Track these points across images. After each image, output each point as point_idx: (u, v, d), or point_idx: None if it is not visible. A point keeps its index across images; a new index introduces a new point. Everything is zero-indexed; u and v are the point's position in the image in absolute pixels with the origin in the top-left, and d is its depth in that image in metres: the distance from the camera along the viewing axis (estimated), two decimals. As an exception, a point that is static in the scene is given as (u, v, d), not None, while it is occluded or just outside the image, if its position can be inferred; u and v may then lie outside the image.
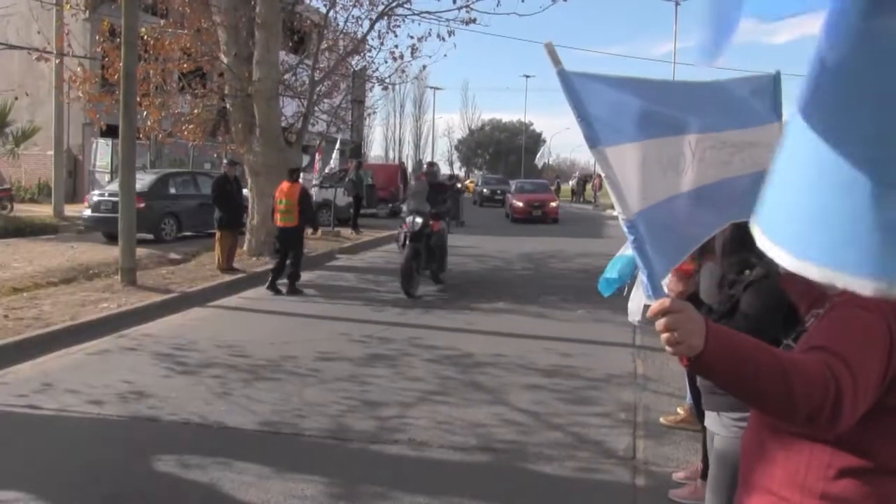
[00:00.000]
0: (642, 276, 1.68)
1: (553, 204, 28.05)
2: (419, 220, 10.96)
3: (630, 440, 5.22)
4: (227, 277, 11.52)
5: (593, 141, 1.72)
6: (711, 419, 3.28)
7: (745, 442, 1.81)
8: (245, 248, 13.71)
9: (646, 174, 1.89)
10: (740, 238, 3.12)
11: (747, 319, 3.05)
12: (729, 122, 2.31)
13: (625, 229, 1.71)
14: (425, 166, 14.38)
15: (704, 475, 4.17)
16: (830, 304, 1.64)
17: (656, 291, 1.63)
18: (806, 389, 1.42)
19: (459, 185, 45.37)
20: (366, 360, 7.28)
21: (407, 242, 10.91)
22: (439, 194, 11.88)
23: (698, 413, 4.45)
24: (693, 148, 2.10)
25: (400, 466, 4.77)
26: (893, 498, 1.55)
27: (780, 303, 3.03)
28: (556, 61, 1.71)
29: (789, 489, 1.62)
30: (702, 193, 2.18)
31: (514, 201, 27.89)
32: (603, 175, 1.74)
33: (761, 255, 3.05)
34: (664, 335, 1.46)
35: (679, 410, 5.55)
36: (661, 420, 5.54)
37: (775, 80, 2.62)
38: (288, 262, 11.03)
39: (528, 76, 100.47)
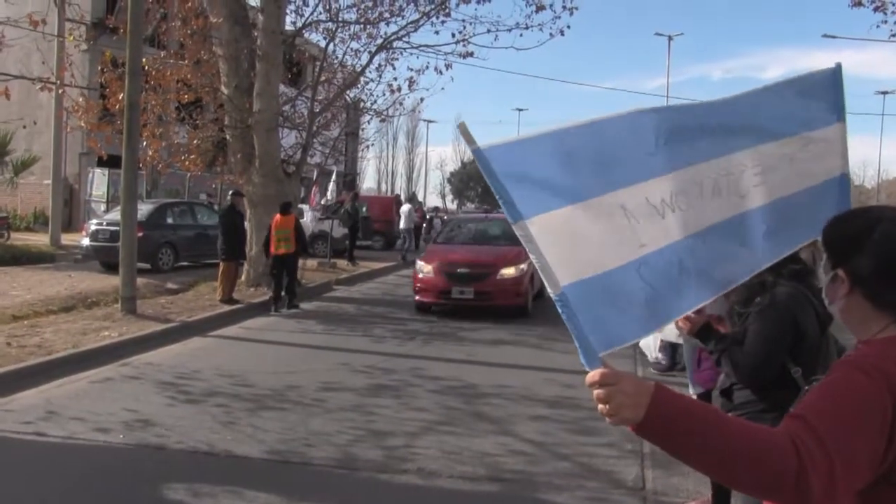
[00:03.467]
0: (577, 344, 1.59)
1: (508, 272, 12.09)
2: None
3: (638, 470, 5.23)
4: (227, 307, 11.54)
5: (514, 216, 1.60)
6: None
7: None
8: (244, 278, 13.72)
9: (596, 236, 1.72)
10: None
11: (751, 348, 3.09)
12: (750, 138, 2.05)
13: (556, 303, 1.61)
14: None
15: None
16: (836, 362, 1.57)
17: (590, 362, 1.56)
18: (756, 467, 1.36)
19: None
20: (369, 390, 7.29)
21: None
22: None
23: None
24: (700, 180, 1.92)
25: (409, 496, 4.78)
26: None
27: (782, 332, 3.07)
28: (469, 141, 1.61)
29: None
30: (734, 227, 2.01)
31: (421, 263, 12.77)
32: (528, 250, 1.61)
33: (775, 278, 3.12)
34: (598, 406, 1.47)
35: None
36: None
37: (835, 74, 2.27)
38: (285, 283, 12.19)
39: (520, 109, 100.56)
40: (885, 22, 13.92)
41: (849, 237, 1.58)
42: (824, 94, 2.26)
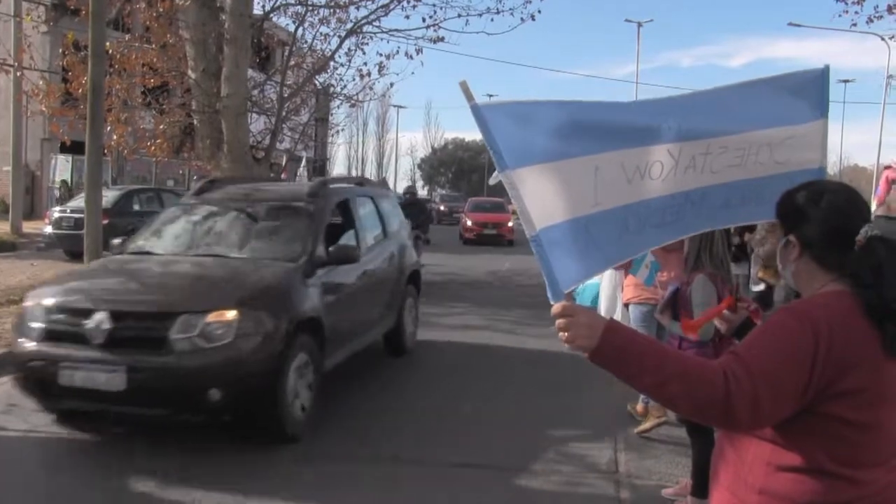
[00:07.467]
0: (545, 281, 1.85)
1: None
2: None
3: (612, 454, 5.24)
4: (195, 295, 11.35)
5: (501, 166, 1.87)
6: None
7: (714, 448, 1.96)
8: (212, 265, 13.51)
9: (577, 187, 1.98)
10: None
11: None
12: (738, 125, 2.27)
13: (531, 243, 1.88)
14: None
15: (695, 492, 4.18)
16: (776, 310, 1.83)
17: (555, 297, 1.83)
18: (687, 389, 1.62)
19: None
20: (342, 375, 7.20)
21: None
22: None
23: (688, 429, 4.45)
24: (677, 155, 2.17)
25: (385, 483, 4.73)
26: (825, 492, 1.66)
27: None
28: (469, 97, 1.85)
29: (737, 485, 1.76)
30: (694, 197, 2.23)
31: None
32: (511, 196, 1.88)
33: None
34: (559, 334, 1.74)
35: (630, 409, 5.93)
36: (636, 430, 5.56)
37: (823, 74, 2.44)
38: None
39: (490, 95, 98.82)
40: (847, 12, 14.09)
41: (798, 208, 1.82)
42: (811, 91, 2.44)
